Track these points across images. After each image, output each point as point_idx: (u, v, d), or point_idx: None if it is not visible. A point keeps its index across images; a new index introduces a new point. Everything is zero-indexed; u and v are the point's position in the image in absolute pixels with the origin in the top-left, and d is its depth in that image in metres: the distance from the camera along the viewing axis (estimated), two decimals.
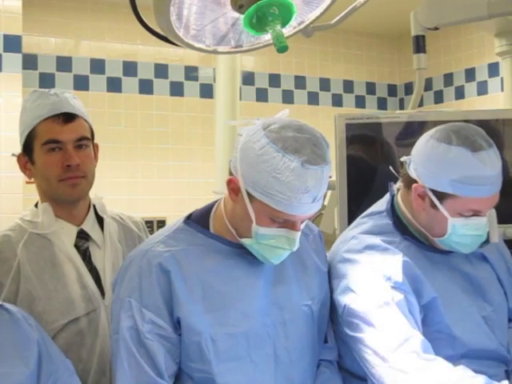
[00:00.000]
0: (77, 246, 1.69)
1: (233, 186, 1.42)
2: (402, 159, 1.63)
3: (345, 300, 1.52)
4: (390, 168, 1.74)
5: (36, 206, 1.73)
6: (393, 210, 1.67)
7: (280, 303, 1.48)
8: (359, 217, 1.73)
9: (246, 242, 1.44)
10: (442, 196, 1.53)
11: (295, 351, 1.48)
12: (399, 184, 1.69)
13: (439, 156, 1.52)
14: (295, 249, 1.43)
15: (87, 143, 1.70)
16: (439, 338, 1.52)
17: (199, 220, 1.52)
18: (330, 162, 1.38)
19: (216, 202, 1.55)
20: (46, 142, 1.65)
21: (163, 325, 1.39)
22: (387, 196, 1.72)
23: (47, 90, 1.71)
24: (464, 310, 1.57)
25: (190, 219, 1.53)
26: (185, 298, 1.41)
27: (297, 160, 1.33)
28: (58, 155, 1.65)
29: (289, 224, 1.41)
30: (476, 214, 1.53)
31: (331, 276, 1.61)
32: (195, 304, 1.41)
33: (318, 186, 1.36)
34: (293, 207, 1.35)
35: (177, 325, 1.41)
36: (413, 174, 1.58)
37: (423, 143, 1.58)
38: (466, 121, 2.04)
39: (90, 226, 1.73)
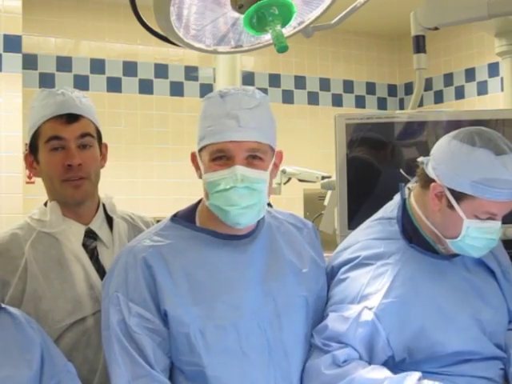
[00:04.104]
0: (84, 245, 1.68)
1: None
2: (420, 160, 1.63)
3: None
4: (401, 171, 1.74)
5: (45, 204, 1.73)
6: (403, 216, 1.67)
7: (273, 295, 1.49)
8: (369, 220, 1.73)
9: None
10: (460, 197, 1.53)
11: (290, 343, 1.48)
12: (413, 184, 1.70)
13: (462, 156, 1.52)
14: None
15: (91, 142, 1.69)
16: (433, 355, 1.53)
17: (185, 216, 1.54)
18: (253, 94, 1.47)
19: (201, 199, 1.56)
20: (48, 139, 1.64)
21: (151, 318, 1.40)
22: (397, 199, 1.71)
23: (56, 89, 1.70)
24: (463, 320, 1.56)
25: (176, 217, 1.55)
26: (170, 291, 1.41)
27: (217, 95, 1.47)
28: (61, 154, 1.64)
29: None
30: (491, 217, 1.53)
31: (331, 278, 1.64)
32: (181, 296, 1.42)
33: (238, 108, 1.42)
34: (221, 134, 1.41)
35: (165, 318, 1.41)
36: (431, 173, 1.58)
37: (445, 143, 1.58)
38: (466, 121, 2.05)
39: (98, 225, 1.73)
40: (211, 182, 1.43)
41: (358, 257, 1.60)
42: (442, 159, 1.57)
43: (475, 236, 1.54)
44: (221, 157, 1.43)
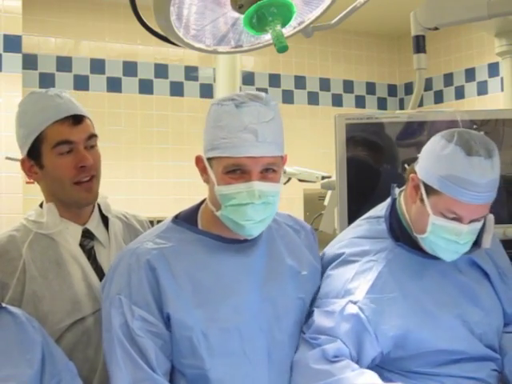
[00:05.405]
0: (82, 246, 1.69)
1: None
2: (419, 155, 1.64)
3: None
4: (406, 166, 1.75)
5: (41, 206, 1.72)
6: (391, 215, 1.67)
7: (273, 298, 1.49)
8: (359, 218, 1.74)
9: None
10: (429, 191, 1.54)
11: (288, 344, 1.49)
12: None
13: (436, 150, 1.54)
14: None
15: (96, 141, 1.70)
16: (421, 354, 1.53)
17: (187, 218, 1.53)
18: (268, 103, 1.41)
19: (203, 200, 1.55)
20: (57, 143, 1.63)
21: (153, 321, 1.40)
22: (388, 200, 1.72)
23: (44, 90, 1.70)
24: (447, 319, 1.56)
25: (177, 219, 1.54)
26: (174, 294, 1.41)
27: (230, 103, 1.40)
28: (70, 157, 1.64)
29: None
30: (457, 219, 1.52)
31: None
32: (185, 299, 1.42)
33: (256, 122, 1.38)
34: (238, 148, 1.38)
35: (167, 321, 1.41)
36: (416, 166, 1.60)
37: (432, 139, 1.60)
38: (465, 121, 2.05)
39: (94, 225, 1.73)
40: (226, 194, 1.41)
41: (343, 254, 1.61)
42: (423, 152, 1.59)
43: (439, 234, 1.53)
44: (235, 170, 1.41)
